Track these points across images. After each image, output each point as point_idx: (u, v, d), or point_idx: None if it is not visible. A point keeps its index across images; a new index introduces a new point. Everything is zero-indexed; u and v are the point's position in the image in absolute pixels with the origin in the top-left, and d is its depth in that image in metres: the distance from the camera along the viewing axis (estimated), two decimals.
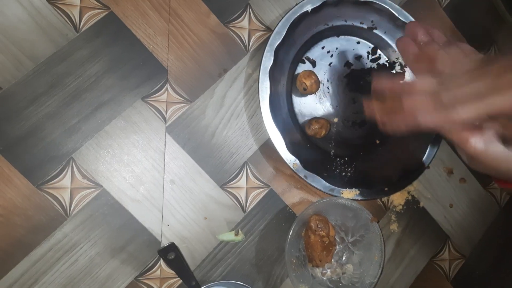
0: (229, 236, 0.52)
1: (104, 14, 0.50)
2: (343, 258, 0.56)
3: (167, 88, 0.52)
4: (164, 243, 0.50)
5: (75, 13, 0.49)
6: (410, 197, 0.60)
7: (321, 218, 0.52)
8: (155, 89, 0.51)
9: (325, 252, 0.52)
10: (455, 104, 0.35)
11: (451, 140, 0.38)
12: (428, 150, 0.57)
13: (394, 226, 0.60)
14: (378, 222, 0.52)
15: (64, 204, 0.47)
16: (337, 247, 0.56)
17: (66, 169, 0.48)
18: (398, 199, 0.60)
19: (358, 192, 0.54)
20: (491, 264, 0.65)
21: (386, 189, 0.55)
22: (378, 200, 0.60)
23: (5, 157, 0.46)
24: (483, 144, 0.36)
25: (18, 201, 0.46)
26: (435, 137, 0.57)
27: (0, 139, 0.46)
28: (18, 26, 0.47)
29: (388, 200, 0.60)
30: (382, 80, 0.43)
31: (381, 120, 0.42)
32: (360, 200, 0.54)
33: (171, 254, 0.48)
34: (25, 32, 0.47)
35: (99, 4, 0.50)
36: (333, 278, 0.54)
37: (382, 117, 0.42)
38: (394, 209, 0.60)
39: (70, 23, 0.48)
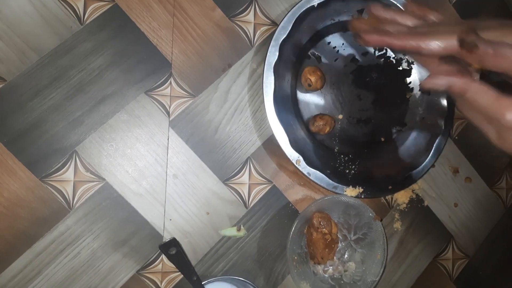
0: (231, 231, 0.52)
1: (108, 6, 0.49)
2: (345, 256, 0.56)
3: (171, 82, 0.51)
4: (166, 237, 0.50)
5: (79, 6, 0.48)
6: (414, 196, 0.60)
7: (324, 216, 0.51)
8: (159, 83, 0.51)
9: (327, 250, 0.52)
10: (428, 31, 0.35)
11: (483, 107, 0.32)
12: (433, 148, 0.56)
13: (397, 225, 0.59)
14: (381, 220, 0.52)
15: (67, 197, 0.48)
16: (340, 245, 0.55)
17: (70, 162, 0.48)
18: (402, 197, 0.59)
19: (361, 190, 0.53)
20: (496, 265, 0.65)
21: (390, 187, 0.55)
22: (382, 198, 0.59)
23: (9, 150, 0.46)
24: None
25: (22, 194, 0.46)
26: (441, 135, 0.56)
27: (4, 132, 0.46)
28: (23, 18, 0.47)
29: (392, 198, 0.60)
30: (379, 6, 0.42)
31: (360, 32, 0.40)
32: (364, 198, 0.54)
33: (172, 249, 0.48)
34: (29, 24, 0.47)
35: None
36: (335, 276, 0.54)
37: (363, 31, 0.40)
38: (398, 208, 0.60)
39: (74, 15, 0.48)
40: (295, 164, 0.51)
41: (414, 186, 0.59)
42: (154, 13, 0.51)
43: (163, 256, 0.50)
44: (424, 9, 0.41)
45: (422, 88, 0.37)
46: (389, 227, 0.59)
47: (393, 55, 0.58)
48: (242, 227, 0.53)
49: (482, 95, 0.32)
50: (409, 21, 0.39)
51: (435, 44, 0.34)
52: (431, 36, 0.34)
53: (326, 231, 0.51)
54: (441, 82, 0.34)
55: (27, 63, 0.47)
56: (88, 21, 0.49)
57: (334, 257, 0.54)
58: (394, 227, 0.59)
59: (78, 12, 0.48)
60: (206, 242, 0.52)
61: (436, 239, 0.62)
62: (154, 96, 0.51)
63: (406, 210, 0.60)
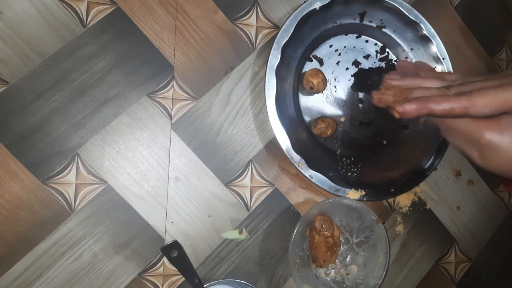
0: (233, 234, 0.52)
1: (111, 9, 0.49)
2: (348, 259, 0.55)
3: (173, 85, 0.51)
4: (168, 240, 0.50)
5: (82, 9, 0.49)
6: (416, 199, 0.60)
7: (326, 219, 0.51)
8: (161, 85, 0.51)
9: (329, 253, 0.52)
10: (471, 92, 0.32)
11: (463, 131, 0.33)
12: (435, 151, 0.56)
13: (399, 228, 0.59)
14: (383, 223, 0.52)
15: (69, 199, 0.47)
16: (342, 248, 0.55)
17: (71, 165, 0.48)
18: (404, 200, 0.59)
19: (363, 192, 0.53)
20: (498, 269, 0.64)
21: (392, 190, 0.55)
22: (384, 201, 0.59)
23: (11, 152, 0.46)
24: (501, 134, 0.31)
25: (23, 196, 0.46)
26: (443, 139, 0.56)
27: (7, 134, 0.46)
28: (26, 21, 0.47)
29: (394, 201, 0.59)
30: (394, 75, 0.41)
31: (392, 104, 0.38)
32: (366, 201, 0.54)
33: (174, 252, 0.48)
34: (32, 27, 0.47)
35: None
36: (336, 279, 0.54)
37: (393, 102, 0.38)
38: (400, 211, 0.59)
39: (77, 18, 0.48)
40: (297, 166, 0.51)
41: (417, 189, 0.59)
42: (157, 16, 0.51)
43: (164, 258, 0.50)
44: (439, 73, 0.40)
45: (400, 115, 0.35)
46: (391, 230, 0.59)
47: (395, 58, 0.59)
48: (244, 230, 0.53)
49: (459, 119, 0.33)
50: (435, 83, 0.37)
51: (486, 105, 0.32)
52: (479, 96, 0.32)
53: (328, 234, 0.51)
54: (417, 108, 0.34)
55: (30, 65, 0.47)
56: (91, 24, 0.49)
57: (336, 260, 0.54)
58: (396, 230, 0.59)
59: (81, 15, 0.48)
60: (208, 245, 0.52)
61: (438, 242, 0.62)
62: (156, 98, 0.51)
63: (408, 213, 0.60)
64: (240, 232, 0.52)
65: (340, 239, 0.55)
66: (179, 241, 0.50)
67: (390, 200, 0.59)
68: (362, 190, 0.53)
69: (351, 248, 0.55)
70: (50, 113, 0.47)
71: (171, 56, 0.51)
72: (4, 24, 0.46)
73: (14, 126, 0.46)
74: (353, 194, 0.53)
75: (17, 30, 0.47)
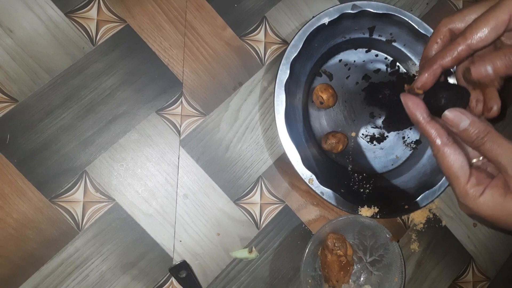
0: (243, 253, 0.51)
1: (120, 27, 0.50)
2: (361, 278, 0.53)
3: (181, 101, 0.51)
4: (176, 259, 0.49)
5: (92, 27, 0.49)
6: (431, 215, 0.58)
7: (338, 237, 0.50)
8: (169, 102, 0.51)
9: (342, 272, 0.50)
10: (465, 30, 0.33)
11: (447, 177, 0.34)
12: None
13: (414, 246, 0.57)
14: (398, 241, 0.50)
15: (76, 218, 0.47)
16: (355, 267, 0.53)
17: (79, 182, 0.47)
18: (418, 217, 0.57)
19: (377, 209, 0.52)
20: None
21: (406, 206, 0.53)
22: (398, 218, 0.57)
23: (20, 170, 0.46)
24: (473, 211, 0.32)
25: (31, 214, 0.46)
26: None
27: (15, 152, 0.46)
28: (35, 39, 0.47)
29: (408, 218, 0.58)
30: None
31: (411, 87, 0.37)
32: (379, 218, 0.52)
33: (182, 272, 0.46)
34: (42, 45, 0.47)
35: (115, 17, 0.50)
36: None
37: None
38: (414, 228, 0.58)
39: (87, 36, 0.49)
40: (307, 183, 0.50)
41: (431, 205, 0.57)
42: (166, 33, 0.51)
43: (173, 279, 0.49)
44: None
45: (422, 88, 0.35)
46: (406, 248, 0.57)
47: (405, 71, 0.58)
48: (253, 248, 0.51)
49: (443, 168, 0.33)
50: None
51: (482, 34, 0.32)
52: (471, 29, 0.32)
53: (341, 253, 0.49)
54: (429, 72, 0.34)
55: (39, 83, 0.47)
56: (100, 42, 0.49)
57: (350, 280, 0.52)
58: (411, 248, 0.57)
59: (91, 33, 0.49)
60: (217, 264, 0.51)
61: (455, 261, 0.59)
62: (165, 115, 0.50)
63: (423, 230, 0.58)
64: (250, 251, 0.51)
65: (353, 258, 0.53)
66: (188, 261, 0.49)
67: (404, 217, 0.58)
68: (375, 207, 0.52)
69: (365, 267, 0.54)
70: (58, 130, 0.47)
71: (180, 72, 0.51)
72: (14, 43, 0.47)
73: (23, 144, 0.46)
74: (366, 211, 0.51)
75: (27, 48, 0.47)
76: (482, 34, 0.32)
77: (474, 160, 0.35)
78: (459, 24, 0.35)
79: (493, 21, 0.31)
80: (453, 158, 0.32)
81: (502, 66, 0.32)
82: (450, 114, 0.33)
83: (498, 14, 0.31)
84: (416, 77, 0.35)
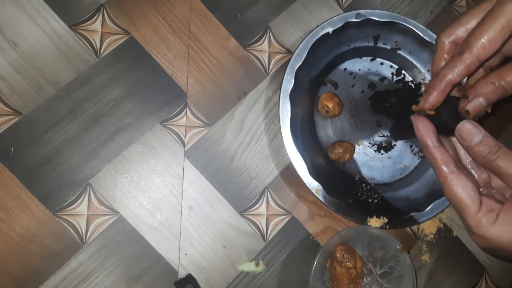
0: (249, 266, 0.49)
1: (124, 39, 0.50)
2: None
3: (186, 112, 0.51)
4: (181, 273, 0.48)
5: (96, 39, 0.49)
6: (442, 226, 0.57)
7: (347, 248, 0.48)
8: (174, 113, 0.50)
9: (352, 285, 0.49)
10: (465, 43, 0.32)
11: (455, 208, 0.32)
12: None
13: (425, 257, 0.56)
14: (408, 252, 0.49)
15: (80, 231, 0.46)
16: (365, 280, 0.52)
17: (83, 195, 0.47)
18: (429, 227, 0.56)
19: (386, 220, 0.50)
20: None
21: (416, 216, 0.52)
22: (408, 228, 0.56)
23: (23, 183, 0.45)
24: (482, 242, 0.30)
25: (34, 228, 0.45)
26: None
27: (19, 165, 0.45)
28: (39, 51, 0.47)
29: (418, 228, 0.56)
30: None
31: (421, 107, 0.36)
32: (389, 228, 0.51)
33: (188, 287, 0.45)
34: (46, 58, 0.47)
35: (120, 29, 0.50)
36: None
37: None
38: (425, 239, 0.56)
39: (91, 48, 0.49)
40: (314, 193, 0.49)
41: (442, 215, 0.56)
42: (170, 45, 0.51)
43: None
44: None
45: (431, 107, 0.33)
46: (416, 259, 0.56)
47: (411, 79, 0.57)
48: (260, 261, 0.50)
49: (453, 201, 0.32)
50: None
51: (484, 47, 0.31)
52: (471, 45, 0.31)
53: (351, 265, 0.48)
54: (437, 90, 0.33)
55: (44, 96, 0.47)
56: (104, 54, 0.49)
57: None
58: (422, 260, 0.56)
59: (95, 45, 0.49)
60: (223, 277, 0.49)
61: (467, 272, 0.58)
62: (170, 126, 0.50)
63: (434, 241, 0.56)
64: (257, 264, 0.50)
65: (363, 270, 0.52)
66: (193, 274, 0.48)
67: (414, 227, 0.56)
68: (384, 218, 0.50)
69: (375, 279, 0.52)
70: (62, 143, 0.47)
71: (184, 83, 0.51)
72: (18, 55, 0.47)
73: (27, 157, 0.46)
74: (375, 222, 0.50)
75: (31, 61, 0.47)
76: (487, 38, 0.30)
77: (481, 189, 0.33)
78: (460, 33, 0.34)
79: (498, 21, 0.30)
80: (462, 185, 0.30)
81: (493, 95, 0.31)
82: (466, 126, 0.31)
83: (503, 12, 0.30)
84: (424, 96, 0.34)
